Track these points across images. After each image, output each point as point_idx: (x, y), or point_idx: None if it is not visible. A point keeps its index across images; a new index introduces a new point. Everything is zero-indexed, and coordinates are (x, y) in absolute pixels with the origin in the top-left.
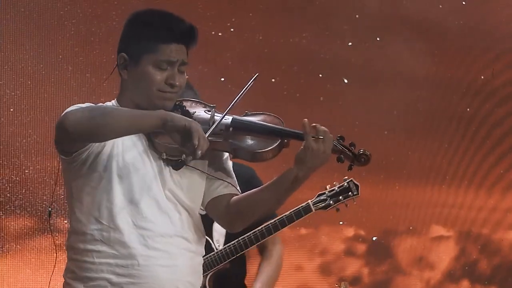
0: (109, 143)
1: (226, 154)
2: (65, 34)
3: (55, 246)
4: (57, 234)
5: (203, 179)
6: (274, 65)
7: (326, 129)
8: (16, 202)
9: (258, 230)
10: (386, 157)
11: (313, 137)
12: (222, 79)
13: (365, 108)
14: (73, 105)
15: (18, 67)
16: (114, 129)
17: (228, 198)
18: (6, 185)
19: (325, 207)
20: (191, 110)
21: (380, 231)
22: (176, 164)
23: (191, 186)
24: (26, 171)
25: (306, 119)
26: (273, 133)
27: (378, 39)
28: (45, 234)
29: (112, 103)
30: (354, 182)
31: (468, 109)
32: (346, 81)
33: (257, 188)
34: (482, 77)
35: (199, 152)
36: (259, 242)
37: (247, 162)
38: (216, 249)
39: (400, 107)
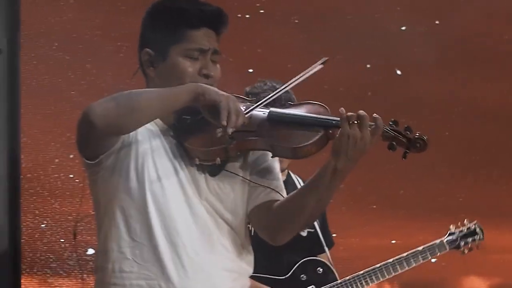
0: (135, 149)
1: (270, 154)
2: (61, 17)
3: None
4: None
5: (245, 186)
6: (313, 53)
7: (363, 113)
8: None
9: (389, 263)
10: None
11: (349, 123)
12: (250, 70)
13: (423, 102)
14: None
15: None
16: (145, 113)
17: (270, 205)
18: None
19: (457, 247)
20: None
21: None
22: (212, 169)
23: (231, 196)
24: None
25: (342, 108)
26: (314, 124)
27: (437, 22)
28: None
29: None
30: (479, 226)
31: None
32: (399, 72)
33: (296, 190)
34: None
35: (230, 129)
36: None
37: (290, 159)
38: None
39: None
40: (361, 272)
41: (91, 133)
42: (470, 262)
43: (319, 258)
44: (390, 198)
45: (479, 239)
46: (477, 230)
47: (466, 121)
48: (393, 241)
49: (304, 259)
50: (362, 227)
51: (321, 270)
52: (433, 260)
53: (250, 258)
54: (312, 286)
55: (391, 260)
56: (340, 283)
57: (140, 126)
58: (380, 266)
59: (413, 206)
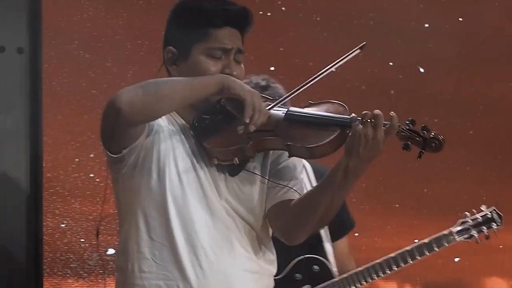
0: (157, 149)
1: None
2: (82, 15)
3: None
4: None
5: (264, 186)
6: (335, 51)
7: (378, 112)
8: None
9: (392, 256)
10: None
11: (361, 121)
12: (272, 68)
13: (446, 100)
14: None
15: None
16: (171, 100)
17: (287, 205)
18: None
19: (468, 238)
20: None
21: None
22: (231, 169)
23: (250, 196)
24: None
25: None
26: (330, 123)
27: (460, 19)
28: None
29: None
30: (497, 212)
31: None
32: (422, 70)
33: (310, 189)
34: None
35: (252, 126)
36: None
37: (307, 159)
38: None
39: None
40: (360, 268)
41: (117, 121)
42: (494, 262)
43: (315, 256)
44: (413, 197)
45: (497, 225)
46: (494, 216)
47: (490, 120)
48: (416, 240)
49: (299, 258)
50: (385, 226)
51: (317, 268)
52: (456, 259)
53: (272, 258)
54: (308, 285)
55: (393, 254)
56: (337, 281)
57: (165, 113)
58: (380, 261)
59: (437, 205)
